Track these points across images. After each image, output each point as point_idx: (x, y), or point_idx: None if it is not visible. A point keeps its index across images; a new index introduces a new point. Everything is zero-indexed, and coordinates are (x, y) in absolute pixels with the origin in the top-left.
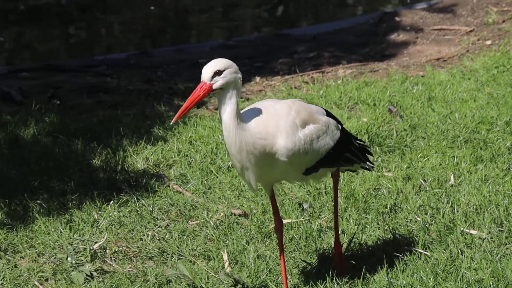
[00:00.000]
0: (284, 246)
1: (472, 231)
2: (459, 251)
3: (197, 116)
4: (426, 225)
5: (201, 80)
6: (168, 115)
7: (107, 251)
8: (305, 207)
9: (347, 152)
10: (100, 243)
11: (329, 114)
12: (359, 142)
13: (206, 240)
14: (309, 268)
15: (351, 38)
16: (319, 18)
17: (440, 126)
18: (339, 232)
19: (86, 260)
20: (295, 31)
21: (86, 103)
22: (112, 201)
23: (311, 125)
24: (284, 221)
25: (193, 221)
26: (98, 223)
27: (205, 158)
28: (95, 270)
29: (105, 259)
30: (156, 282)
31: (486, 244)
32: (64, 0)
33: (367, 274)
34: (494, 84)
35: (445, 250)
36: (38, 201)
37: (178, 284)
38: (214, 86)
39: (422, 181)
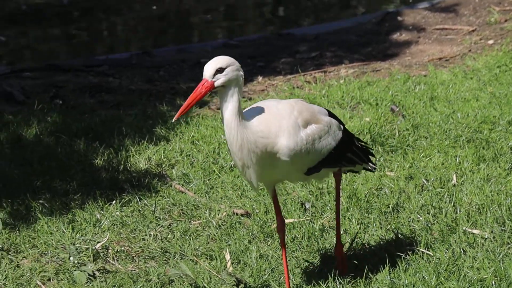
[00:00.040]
0: (286, 246)
1: (475, 231)
2: (462, 250)
3: (199, 116)
4: (429, 225)
5: (203, 77)
6: (170, 115)
7: (110, 250)
8: (307, 207)
9: (349, 153)
10: (102, 242)
11: (331, 115)
12: (361, 143)
13: (209, 239)
14: (311, 267)
15: (353, 38)
16: (321, 17)
17: (442, 125)
18: (341, 232)
19: (89, 260)
20: (297, 30)
21: (88, 103)
22: (114, 201)
23: (313, 125)
24: (287, 221)
25: (195, 220)
26: (100, 223)
27: (207, 157)
28: (98, 270)
29: (108, 258)
30: (158, 282)
31: (488, 243)
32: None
33: (370, 274)
34: (497, 83)
35: (447, 250)
36: (41, 201)
37: (180, 283)
38: (216, 84)
39: (425, 181)
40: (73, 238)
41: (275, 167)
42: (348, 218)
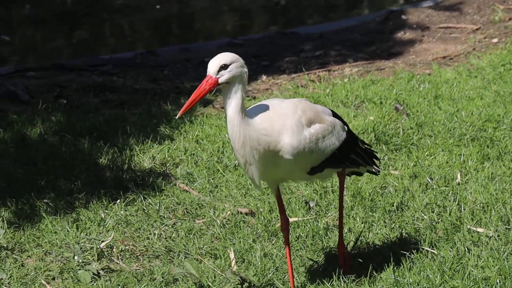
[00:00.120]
0: (290, 245)
1: (479, 229)
2: (466, 249)
3: (204, 115)
4: (433, 223)
5: (207, 74)
6: (175, 114)
7: (114, 250)
8: (311, 206)
9: (352, 154)
10: (107, 242)
11: (335, 115)
12: (366, 146)
13: (213, 238)
14: (315, 266)
15: (357, 37)
16: (326, 16)
17: (446, 124)
18: (345, 231)
19: (93, 259)
20: (301, 29)
21: (92, 102)
22: (118, 200)
23: (317, 124)
24: (291, 220)
25: (199, 219)
26: (105, 222)
27: (211, 156)
28: (102, 269)
29: (112, 258)
30: (162, 281)
31: (493, 242)
32: None
33: (374, 272)
34: (501, 82)
35: (452, 248)
36: (45, 200)
37: (184, 282)
38: (220, 80)
39: (429, 179)
40: (77, 237)
41: (277, 165)
42: (353, 216)
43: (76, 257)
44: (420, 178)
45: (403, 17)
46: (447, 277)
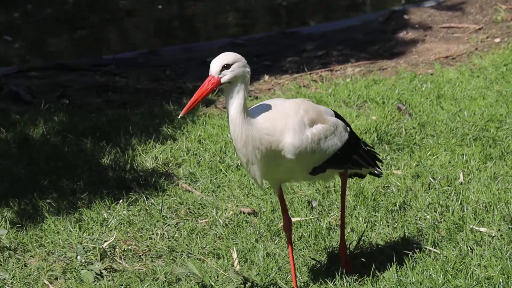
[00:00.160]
0: (293, 244)
1: (482, 229)
2: (469, 248)
3: (206, 115)
4: (436, 223)
5: (210, 73)
6: (177, 114)
7: (117, 249)
8: (314, 205)
9: (355, 155)
10: (109, 242)
11: (337, 116)
12: (368, 147)
13: (216, 238)
14: (318, 266)
15: (359, 36)
16: (328, 16)
17: (449, 124)
18: (348, 231)
19: (96, 259)
20: (303, 29)
21: (94, 102)
22: (121, 200)
23: (319, 124)
24: (293, 219)
25: (202, 219)
26: (107, 222)
27: (214, 156)
28: (105, 269)
29: (115, 257)
30: (165, 281)
31: (495, 241)
32: None
33: (377, 272)
34: (503, 81)
35: (454, 248)
36: (48, 200)
37: (187, 282)
38: (222, 80)
39: (431, 179)
40: (80, 237)
41: (279, 165)
42: (355, 216)
43: (79, 257)
44: (423, 178)
45: (406, 17)
46: (450, 277)
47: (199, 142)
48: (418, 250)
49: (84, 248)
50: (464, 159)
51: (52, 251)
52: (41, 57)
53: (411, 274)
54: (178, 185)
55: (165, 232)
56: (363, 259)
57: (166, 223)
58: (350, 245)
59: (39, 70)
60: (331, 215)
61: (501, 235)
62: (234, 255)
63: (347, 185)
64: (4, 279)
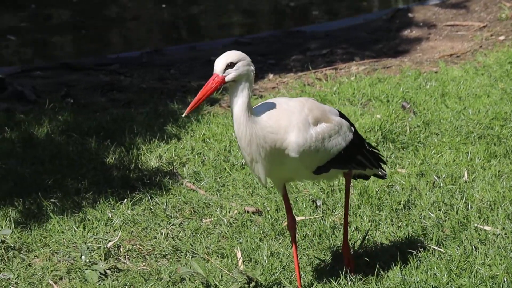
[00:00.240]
0: (297, 243)
1: (486, 227)
2: (473, 247)
3: (210, 114)
4: (440, 222)
5: (214, 72)
6: (181, 112)
7: (121, 249)
8: (318, 204)
9: (359, 155)
10: (114, 241)
11: (342, 116)
12: (372, 149)
13: (220, 238)
14: (322, 265)
15: (364, 35)
16: (332, 14)
17: (453, 122)
18: (352, 230)
19: (100, 259)
20: (308, 28)
21: (99, 101)
22: (125, 200)
23: (324, 123)
24: (298, 219)
25: (206, 219)
26: (112, 221)
27: (218, 155)
28: (109, 269)
29: (119, 257)
30: (169, 280)
31: (500, 240)
32: None
33: (381, 271)
34: (508, 79)
35: (459, 247)
36: (52, 200)
37: (191, 282)
38: (226, 79)
39: (436, 178)
40: (84, 237)
41: (283, 163)
42: (359, 215)
43: (83, 257)
44: (427, 176)
45: (410, 15)
46: (454, 276)
47: (204, 141)
48: (422, 249)
49: (88, 247)
50: (468, 157)
51: (56, 250)
52: (45, 57)
53: (416, 273)
54: (182, 184)
55: (169, 232)
56: (367, 258)
57: (171, 223)
58: (355, 244)
59: (43, 70)
60: (335, 214)
61: (505, 234)
62: (239, 255)
63: (351, 185)
64: (9, 279)
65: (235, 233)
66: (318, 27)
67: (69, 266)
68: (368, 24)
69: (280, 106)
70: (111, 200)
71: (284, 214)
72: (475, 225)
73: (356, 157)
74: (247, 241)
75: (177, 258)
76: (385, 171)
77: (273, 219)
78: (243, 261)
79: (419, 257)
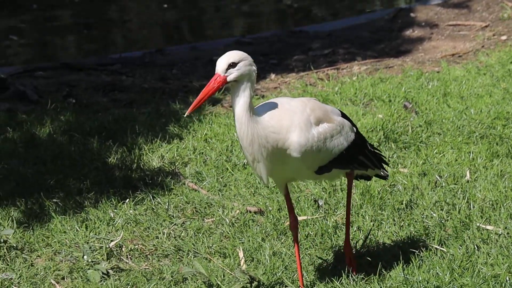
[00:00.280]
0: (299, 243)
1: (488, 227)
2: (475, 246)
3: (212, 114)
4: (442, 221)
5: (216, 72)
6: (183, 112)
7: (123, 249)
8: (320, 204)
9: (361, 155)
10: (116, 241)
11: (344, 116)
12: (375, 149)
13: (222, 237)
14: (324, 264)
15: (366, 35)
16: (334, 14)
17: (455, 121)
18: (354, 229)
19: (102, 258)
20: (310, 28)
21: (101, 101)
22: (128, 199)
23: (326, 123)
24: (300, 218)
25: (208, 218)
26: (114, 221)
27: (220, 155)
28: (111, 268)
29: (121, 257)
30: (172, 280)
31: (502, 239)
32: None
33: (383, 271)
34: (510, 79)
35: (461, 246)
36: (54, 200)
37: (194, 281)
38: (228, 79)
39: (438, 177)
40: (86, 236)
41: (285, 163)
42: (362, 215)
43: (85, 257)
44: (429, 176)
45: (412, 15)
46: (457, 275)
47: (206, 141)
48: (424, 249)
49: (90, 247)
50: (470, 157)
51: (58, 250)
52: (47, 57)
53: (418, 272)
54: (184, 184)
55: (171, 231)
56: (369, 258)
57: (173, 222)
58: (357, 244)
59: (45, 70)
60: (337, 213)
61: (507, 233)
62: (241, 254)
63: (353, 185)
64: (11, 278)
65: (237, 232)
66: (320, 27)
67: (71, 266)
68: (370, 24)
69: (282, 106)
70: (113, 200)
71: (286, 214)
72: (477, 224)
73: (358, 157)
74: (249, 240)
75: (179, 258)
76: (387, 171)
77: (275, 219)
78: (245, 261)
79: (421, 257)
